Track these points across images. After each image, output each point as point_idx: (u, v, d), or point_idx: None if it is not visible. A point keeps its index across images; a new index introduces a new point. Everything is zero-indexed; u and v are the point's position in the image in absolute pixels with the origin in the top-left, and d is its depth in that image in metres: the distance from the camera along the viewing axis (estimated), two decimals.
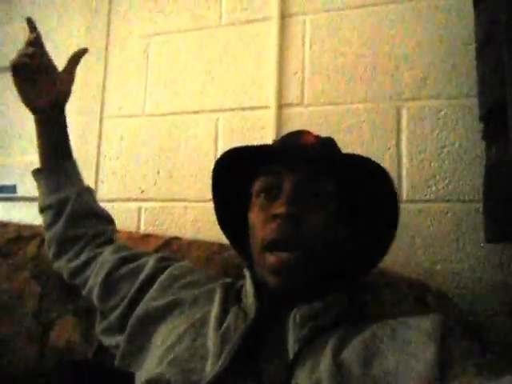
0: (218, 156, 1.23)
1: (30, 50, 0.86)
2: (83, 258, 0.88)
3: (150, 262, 0.82)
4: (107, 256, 0.85)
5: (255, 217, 0.70)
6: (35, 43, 0.87)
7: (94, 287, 0.83)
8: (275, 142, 0.78)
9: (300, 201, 0.66)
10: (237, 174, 0.76)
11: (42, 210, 0.93)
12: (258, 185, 0.71)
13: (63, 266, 0.90)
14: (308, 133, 0.75)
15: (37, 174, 0.93)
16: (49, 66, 0.90)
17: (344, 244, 0.71)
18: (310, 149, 0.72)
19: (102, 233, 0.91)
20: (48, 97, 0.88)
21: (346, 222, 0.71)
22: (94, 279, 0.84)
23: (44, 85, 0.88)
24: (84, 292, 0.88)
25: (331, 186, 0.69)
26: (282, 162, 0.69)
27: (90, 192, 0.96)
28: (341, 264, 0.72)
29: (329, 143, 0.76)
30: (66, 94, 0.92)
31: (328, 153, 0.74)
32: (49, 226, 0.92)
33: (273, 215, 0.65)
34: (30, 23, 0.90)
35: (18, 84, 0.87)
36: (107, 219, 0.96)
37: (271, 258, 0.64)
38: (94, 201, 0.96)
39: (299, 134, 0.75)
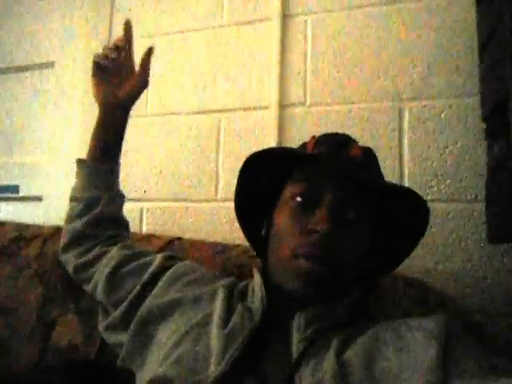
0: (220, 156, 1.26)
1: (114, 54, 0.89)
2: (93, 254, 0.88)
3: (157, 260, 0.83)
4: (114, 252, 0.86)
5: (286, 220, 0.67)
6: (122, 48, 0.91)
7: (100, 281, 0.83)
8: (315, 140, 0.73)
9: (339, 219, 0.64)
10: (266, 169, 0.73)
11: (72, 200, 0.94)
12: (294, 188, 0.69)
13: (70, 260, 0.90)
14: (354, 142, 0.73)
15: (80, 163, 0.94)
16: (128, 70, 0.93)
17: (369, 256, 0.71)
18: (358, 165, 0.69)
19: (117, 236, 0.92)
20: (117, 97, 0.91)
21: (375, 239, 0.70)
22: (100, 273, 0.84)
23: (117, 85, 0.91)
24: (88, 287, 0.88)
25: (370, 208, 0.68)
26: (327, 172, 0.67)
27: (121, 198, 0.98)
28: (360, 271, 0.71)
29: (373, 157, 0.74)
30: (134, 98, 0.94)
31: (376, 172, 0.72)
32: (72, 218, 0.93)
33: (311, 229, 0.63)
34: (127, 26, 0.93)
35: (95, 78, 0.90)
36: (126, 227, 0.98)
37: (304, 264, 0.63)
38: (122, 208, 0.98)
39: (346, 143, 0.71)
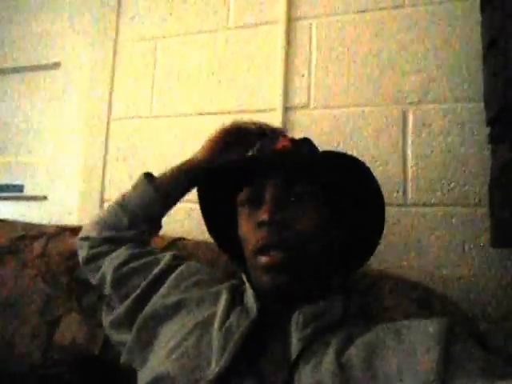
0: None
1: (254, 130, 0.91)
2: (105, 247, 0.88)
3: (165, 259, 0.84)
4: (125, 248, 0.86)
5: (243, 226, 0.73)
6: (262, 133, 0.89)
7: (107, 274, 0.84)
8: (255, 150, 0.79)
9: (282, 205, 0.69)
10: (221, 186, 0.79)
11: (118, 202, 0.92)
12: (241, 196, 0.74)
13: (85, 247, 0.90)
14: (283, 137, 0.78)
15: (148, 178, 0.93)
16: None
17: (335, 242, 0.74)
18: (285, 154, 0.75)
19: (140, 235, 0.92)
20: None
21: (335, 221, 0.73)
22: (108, 266, 0.84)
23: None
24: (95, 278, 0.88)
25: (311, 187, 0.71)
26: (261, 170, 0.72)
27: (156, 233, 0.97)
28: (333, 261, 0.74)
29: (304, 144, 0.79)
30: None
31: (302, 155, 0.76)
32: (109, 221, 0.90)
33: (258, 223, 0.68)
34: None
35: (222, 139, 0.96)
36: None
37: (263, 259, 0.66)
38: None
39: (274, 140, 0.77)
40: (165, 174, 0.94)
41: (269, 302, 0.67)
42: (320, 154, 0.77)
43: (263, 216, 0.67)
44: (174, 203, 0.96)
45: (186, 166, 0.94)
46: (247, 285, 0.72)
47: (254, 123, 0.92)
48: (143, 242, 0.91)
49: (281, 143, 0.76)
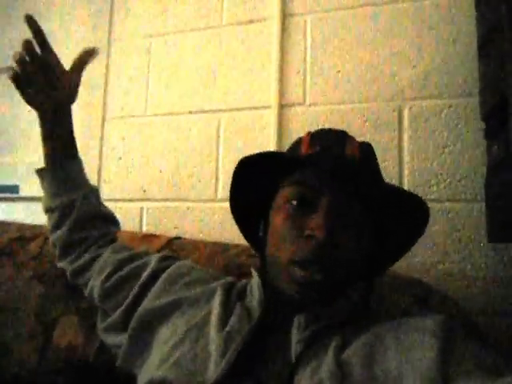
0: (220, 156, 1.26)
1: (17, 56, 0.83)
2: (85, 258, 0.88)
3: (153, 262, 0.82)
4: (108, 257, 0.85)
5: (282, 224, 0.65)
6: (28, 46, 0.83)
7: (95, 287, 0.83)
8: (310, 138, 0.70)
9: (336, 223, 0.62)
10: (260, 171, 0.71)
11: (46, 211, 0.92)
12: (290, 190, 0.66)
13: (66, 266, 0.91)
14: (350, 139, 0.69)
15: (41, 173, 0.91)
16: (49, 66, 0.85)
17: (367, 257, 0.69)
18: (354, 166, 0.66)
19: (105, 234, 0.91)
20: (49, 98, 0.85)
21: (372, 237, 0.69)
22: (95, 279, 0.84)
23: (43, 85, 0.85)
24: (86, 292, 0.88)
25: (369, 210, 0.66)
26: (322, 173, 0.64)
27: (95, 193, 0.94)
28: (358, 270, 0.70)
29: (371, 156, 0.71)
30: (69, 96, 0.89)
31: (373, 173, 0.69)
32: (53, 228, 0.91)
33: (307, 236, 0.61)
34: (29, 21, 0.86)
35: (17, 86, 0.85)
36: (112, 220, 0.95)
37: (300, 272, 0.61)
38: (100, 202, 0.95)
39: (342, 141, 0.68)
40: (43, 152, 0.90)
41: (274, 303, 0.66)
42: (390, 185, 0.69)
43: (316, 231, 0.60)
44: (74, 153, 0.92)
45: (42, 126, 0.89)
46: (255, 282, 0.70)
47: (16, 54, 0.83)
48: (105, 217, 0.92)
49: (349, 149, 0.67)
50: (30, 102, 0.87)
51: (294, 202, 0.65)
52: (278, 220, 0.66)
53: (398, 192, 0.67)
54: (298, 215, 0.64)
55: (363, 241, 0.66)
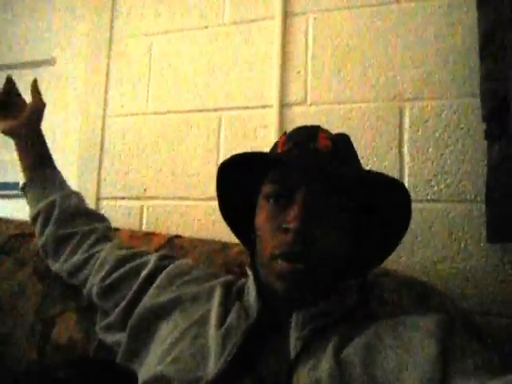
0: (221, 155, 1.26)
1: None
2: (79, 257, 0.88)
3: (151, 261, 0.82)
4: (106, 255, 0.85)
5: (263, 222, 0.67)
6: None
7: (94, 287, 0.83)
8: (285, 137, 0.72)
9: (314, 214, 0.63)
10: (244, 171, 0.73)
11: (33, 221, 0.97)
12: (267, 189, 0.68)
13: (60, 267, 0.92)
14: (323, 132, 0.70)
15: (23, 189, 0.99)
16: (19, 103, 1.02)
17: (354, 249, 0.69)
18: (326, 156, 0.67)
19: (93, 230, 0.92)
20: (17, 127, 0.99)
21: (356, 231, 0.69)
22: (94, 279, 0.84)
23: (13, 117, 1.00)
24: (84, 291, 0.88)
25: (348, 201, 0.66)
26: (295, 168, 0.66)
27: (76, 194, 1.00)
28: (347, 265, 0.70)
29: (344, 146, 0.72)
30: (36, 120, 1.01)
31: (345, 163, 0.69)
32: (40, 232, 0.94)
33: (284, 228, 0.63)
34: (8, 82, 1.03)
35: None
36: (98, 217, 0.98)
37: (282, 264, 0.62)
38: (82, 202, 1.00)
39: (314, 136, 0.69)
40: (22, 169, 1.01)
41: (271, 301, 0.66)
42: (361, 171, 0.71)
43: (292, 223, 0.61)
44: (48, 162, 1.02)
45: (16, 147, 1.02)
46: (250, 280, 0.70)
47: None
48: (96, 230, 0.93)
49: (321, 142, 0.68)
50: (2, 131, 1.01)
51: (271, 200, 0.67)
52: (259, 219, 0.69)
53: (375, 178, 0.67)
54: (275, 212, 0.66)
55: (344, 230, 0.66)
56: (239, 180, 0.75)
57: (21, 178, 1.54)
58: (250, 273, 0.72)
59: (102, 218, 0.99)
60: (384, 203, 0.69)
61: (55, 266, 0.93)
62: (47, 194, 0.95)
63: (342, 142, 0.72)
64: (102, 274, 0.82)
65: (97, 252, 0.88)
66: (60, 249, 0.92)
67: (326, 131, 0.72)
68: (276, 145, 0.74)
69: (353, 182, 0.66)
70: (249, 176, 0.73)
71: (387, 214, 0.70)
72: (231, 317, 0.67)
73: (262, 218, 0.68)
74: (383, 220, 0.71)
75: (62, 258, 0.91)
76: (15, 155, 1.58)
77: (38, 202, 0.95)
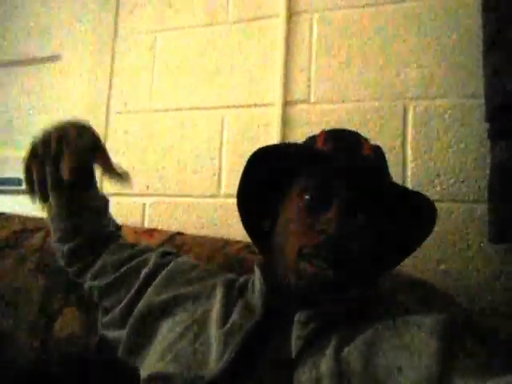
0: (223, 152, 1.26)
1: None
2: (87, 257, 0.84)
3: (152, 258, 0.81)
4: (109, 257, 0.83)
5: (293, 217, 0.65)
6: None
7: (95, 286, 0.82)
8: (325, 136, 0.70)
9: (350, 221, 0.63)
10: (272, 164, 0.70)
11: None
12: (304, 184, 0.66)
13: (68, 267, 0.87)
14: (365, 140, 0.70)
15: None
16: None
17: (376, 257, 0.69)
18: (371, 166, 0.67)
19: (104, 231, 0.87)
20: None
21: (379, 236, 0.69)
22: (96, 280, 0.82)
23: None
24: (85, 287, 0.87)
25: (380, 209, 0.66)
26: (340, 170, 0.64)
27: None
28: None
29: (382, 158, 0.72)
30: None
31: (386, 174, 0.70)
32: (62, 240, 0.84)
33: (319, 230, 0.61)
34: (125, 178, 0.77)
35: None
36: (117, 227, 0.90)
37: (306, 266, 0.61)
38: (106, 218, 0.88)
39: (358, 142, 0.69)
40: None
41: (275, 300, 0.66)
42: (400, 186, 0.70)
43: (329, 226, 0.60)
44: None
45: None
46: (256, 278, 0.70)
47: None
48: (108, 236, 0.85)
49: (367, 150, 0.67)
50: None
51: (308, 196, 0.65)
52: (289, 213, 0.67)
53: (409, 193, 0.67)
54: (311, 209, 0.64)
55: (373, 241, 0.66)
56: (262, 173, 0.72)
57: (21, 174, 1.55)
58: (257, 270, 0.71)
59: (117, 226, 0.91)
60: (409, 215, 0.69)
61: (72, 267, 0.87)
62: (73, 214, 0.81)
63: (381, 153, 0.72)
64: (104, 273, 0.81)
65: (101, 254, 0.84)
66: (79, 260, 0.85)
67: (367, 139, 0.71)
68: (312, 139, 0.72)
69: (390, 195, 0.66)
70: (273, 169, 0.70)
71: (409, 224, 0.70)
72: (234, 315, 0.67)
73: (294, 211, 0.66)
74: (405, 229, 0.71)
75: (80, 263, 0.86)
76: (18, 150, 1.59)
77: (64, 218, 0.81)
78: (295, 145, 0.69)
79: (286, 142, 0.70)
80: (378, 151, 0.71)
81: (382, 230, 0.68)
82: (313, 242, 0.62)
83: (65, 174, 0.67)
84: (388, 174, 0.72)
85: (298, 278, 0.62)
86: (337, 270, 0.61)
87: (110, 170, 0.73)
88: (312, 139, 0.72)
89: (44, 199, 0.72)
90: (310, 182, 0.66)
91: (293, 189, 0.68)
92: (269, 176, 0.72)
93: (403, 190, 0.67)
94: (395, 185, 0.68)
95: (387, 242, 0.71)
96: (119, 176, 0.73)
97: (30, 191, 0.71)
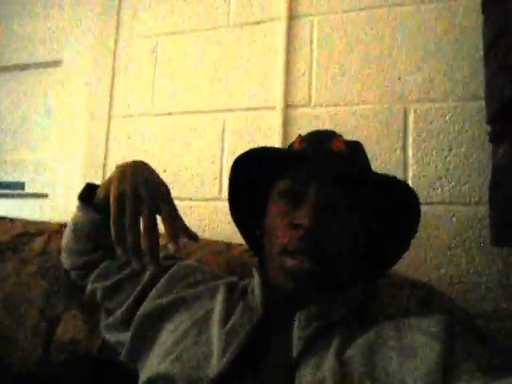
0: (225, 156, 1.26)
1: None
2: (90, 262, 0.86)
3: None
4: (112, 259, 0.83)
5: (274, 219, 0.68)
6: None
7: (98, 289, 0.83)
8: (301, 138, 0.74)
9: (325, 212, 0.65)
10: (256, 169, 0.74)
11: (72, 232, 0.85)
12: (280, 186, 0.70)
13: (77, 261, 0.88)
14: (338, 136, 0.73)
15: (85, 204, 0.83)
16: None
17: (363, 251, 0.71)
18: (340, 158, 0.69)
19: None
20: None
21: (366, 231, 0.70)
22: (99, 282, 0.83)
23: None
24: (87, 291, 0.87)
25: (359, 201, 0.67)
26: (309, 167, 0.67)
27: None
28: (358, 267, 0.72)
29: (358, 151, 0.74)
30: None
31: (357, 164, 0.71)
32: (78, 250, 0.86)
33: (295, 224, 0.64)
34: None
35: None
36: None
37: (290, 261, 0.64)
38: None
39: (329, 138, 0.71)
40: (98, 191, 0.80)
41: (276, 300, 0.66)
42: (374, 173, 0.71)
43: (303, 220, 0.63)
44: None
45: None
46: (255, 280, 0.71)
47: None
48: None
49: (336, 143, 0.70)
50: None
51: (284, 196, 0.68)
52: (270, 215, 0.70)
53: (384, 180, 0.68)
54: (288, 208, 0.67)
55: (354, 230, 0.68)
56: (249, 178, 0.76)
57: (26, 179, 1.56)
58: (255, 273, 0.72)
59: None
60: (394, 207, 0.70)
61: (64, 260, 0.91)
62: (102, 237, 0.81)
63: (355, 147, 0.74)
64: (105, 278, 0.82)
65: (105, 257, 0.85)
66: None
67: (341, 136, 0.73)
68: (292, 145, 0.75)
69: (364, 183, 0.67)
70: (257, 174, 0.74)
71: (397, 218, 0.71)
72: (235, 316, 0.67)
73: (273, 213, 0.69)
74: (394, 224, 0.72)
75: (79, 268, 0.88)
76: (21, 154, 1.59)
77: (90, 234, 0.83)
78: (271, 148, 0.72)
79: (264, 146, 0.72)
80: (352, 145, 0.73)
81: (368, 227, 0.70)
82: (294, 238, 0.64)
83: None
84: (363, 164, 0.73)
85: (285, 275, 0.65)
86: (317, 262, 0.63)
87: (181, 228, 0.74)
88: (291, 144, 0.76)
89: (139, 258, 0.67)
90: (285, 183, 0.69)
91: (273, 192, 0.71)
92: (255, 182, 0.75)
93: (379, 178, 0.68)
94: (371, 173, 0.70)
95: (378, 240, 0.72)
96: (189, 236, 0.72)
97: (121, 246, 0.68)
